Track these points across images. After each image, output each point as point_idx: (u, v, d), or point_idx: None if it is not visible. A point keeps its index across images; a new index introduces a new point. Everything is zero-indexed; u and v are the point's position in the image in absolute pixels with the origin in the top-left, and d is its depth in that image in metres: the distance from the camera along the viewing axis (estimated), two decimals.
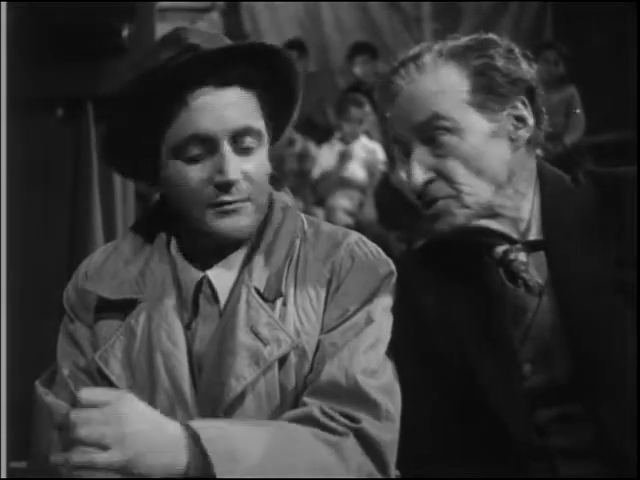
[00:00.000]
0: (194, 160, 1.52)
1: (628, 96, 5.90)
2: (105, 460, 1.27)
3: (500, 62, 1.55)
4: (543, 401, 1.51)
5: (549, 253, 1.56)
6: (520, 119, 1.58)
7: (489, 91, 1.55)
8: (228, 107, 1.51)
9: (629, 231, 1.52)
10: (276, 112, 1.61)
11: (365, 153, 6.00)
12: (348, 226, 5.34)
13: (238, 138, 1.52)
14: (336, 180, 5.92)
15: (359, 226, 5.58)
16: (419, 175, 1.56)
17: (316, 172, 5.99)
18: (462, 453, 1.53)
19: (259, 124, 1.55)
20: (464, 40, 1.59)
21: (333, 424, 1.45)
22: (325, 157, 6.02)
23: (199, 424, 1.37)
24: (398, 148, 1.63)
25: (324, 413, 1.46)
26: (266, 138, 1.58)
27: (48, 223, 2.91)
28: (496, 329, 1.54)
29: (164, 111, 1.51)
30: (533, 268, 1.56)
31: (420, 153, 1.57)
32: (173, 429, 1.35)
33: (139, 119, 1.53)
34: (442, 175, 1.56)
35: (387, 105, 1.61)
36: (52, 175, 2.93)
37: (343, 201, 5.90)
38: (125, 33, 2.92)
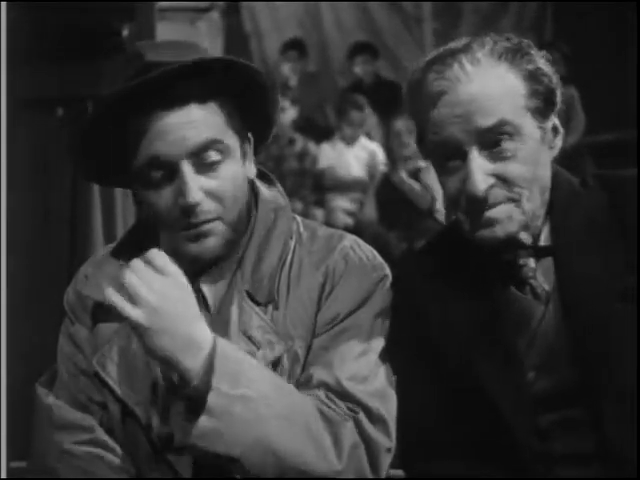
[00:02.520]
0: (156, 186, 1.48)
1: (628, 96, 5.90)
2: (130, 313, 1.35)
3: (546, 67, 1.52)
4: (547, 407, 1.50)
5: (557, 258, 1.53)
6: (555, 128, 1.55)
7: (542, 97, 1.51)
8: (185, 126, 1.46)
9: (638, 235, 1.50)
10: (251, 123, 1.57)
11: (365, 154, 6.00)
12: (348, 227, 5.36)
13: (200, 155, 1.47)
14: (335, 178, 5.93)
15: (360, 226, 5.58)
16: (481, 181, 1.47)
17: (318, 167, 5.97)
18: (464, 457, 1.52)
19: (224, 136, 1.50)
20: (508, 41, 1.52)
21: (335, 408, 1.45)
22: (326, 154, 6.01)
23: (222, 342, 1.40)
24: (440, 150, 1.52)
25: (328, 398, 1.46)
26: (235, 151, 1.52)
27: (48, 223, 2.91)
28: (501, 336, 1.52)
29: (125, 135, 1.48)
30: (540, 274, 1.54)
31: (479, 158, 1.48)
32: (202, 336, 1.38)
33: (106, 143, 1.50)
34: (502, 179, 1.49)
35: (430, 102, 1.49)
36: (52, 175, 2.94)
37: (343, 202, 5.90)
38: (125, 33, 2.92)
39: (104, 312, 1.58)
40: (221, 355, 1.37)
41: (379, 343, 1.54)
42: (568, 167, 1.63)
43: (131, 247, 1.64)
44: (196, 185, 1.46)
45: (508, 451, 1.48)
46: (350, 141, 6.00)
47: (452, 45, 1.51)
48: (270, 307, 1.53)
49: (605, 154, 5.84)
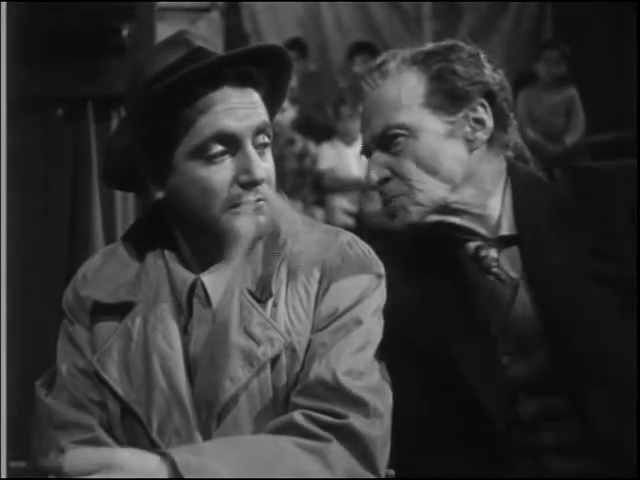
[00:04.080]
0: (215, 161, 1.52)
1: (628, 96, 5.90)
2: None
3: (459, 66, 1.60)
4: (526, 393, 1.52)
5: (522, 247, 1.59)
6: (478, 121, 1.62)
7: (445, 94, 1.60)
8: (247, 106, 1.53)
9: (605, 223, 1.54)
10: (270, 111, 1.62)
11: None
12: (348, 227, 5.37)
13: (257, 135, 1.54)
14: (335, 179, 5.92)
15: (362, 217, 5.60)
16: (374, 173, 1.63)
17: (318, 168, 5.96)
18: (445, 447, 1.54)
19: (269, 121, 1.58)
20: (428, 46, 1.65)
21: (316, 429, 1.44)
22: (326, 155, 6.00)
23: (175, 452, 1.39)
24: (365, 153, 1.69)
25: (307, 417, 1.45)
26: (270, 140, 1.60)
27: (48, 223, 2.92)
28: (473, 322, 1.56)
29: (181, 113, 1.51)
30: (507, 263, 1.59)
31: (377, 154, 1.64)
32: (155, 465, 1.37)
33: (150, 125, 1.52)
34: (396, 173, 1.62)
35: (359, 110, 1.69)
36: (52, 175, 2.94)
37: (343, 202, 5.90)
38: (125, 33, 2.92)
39: (103, 312, 1.59)
40: (182, 467, 1.36)
41: (376, 339, 1.55)
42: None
43: (131, 245, 1.65)
44: (260, 163, 1.52)
45: (489, 439, 1.50)
46: (346, 137, 5.97)
47: (377, 60, 1.67)
48: (270, 303, 1.54)
49: (605, 154, 5.84)
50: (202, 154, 1.51)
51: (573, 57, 6.28)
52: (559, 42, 6.55)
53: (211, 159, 1.52)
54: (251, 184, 1.52)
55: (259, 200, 1.54)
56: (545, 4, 7.67)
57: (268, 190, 1.55)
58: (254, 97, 1.55)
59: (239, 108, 1.52)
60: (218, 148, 1.51)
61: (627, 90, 6.08)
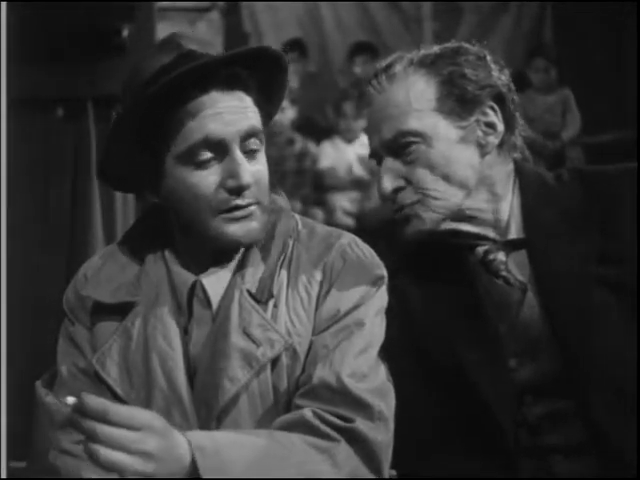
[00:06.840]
0: (204, 166, 1.51)
1: (628, 96, 5.90)
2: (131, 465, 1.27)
3: (468, 70, 1.59)
4: (532, 395, 1.52)
5: (530, 250, 1.58)
6: (490, 125, 1.60)
7: (456, 98, 1.58)
8: (236, 110, 1.51)
9: (613, 227, 1.54)
10: (265, 114, 1.61)
11: (366, 151, 5.97)
12: (348, 227, 5.36)
13: (246, 141, 1.52)
14: (336, 177, 5.91)
15: (363, 216, 5.60)
16: (388, 183, 1.60)
17: (318, 167, 5.95)
18: (451, 448, 1.54)
19: (260, 125, 1.56)
20: (435, 49, 1.63)
21: (326, 428, 1.45)
22: (326, 153, 6.00)
23: (190, 434, 1.37)
24: (375, 161, 1.66)
25: (317, 416, 1.46)
26: (264, 144, 1.58)
27: (48, 223, 2.92)
28: (481, 324, 1.56)
29: (171, 117, 1.50)
30: (514, 266, 1.59)
31: (390, 162, 1.61)
32: (182, 441, 1.34)
33: (143, 128, 1.51)
34: (410, 182, 1.60)
35: (364, 115, 1.67)
36: (52, 175, 2.94)
37: (343, 202, 5.90)
38: (125, 33, 2.93)
39: (103, 312, 1.59)
40: (196, 447, 1.34)
41: (378, 340, 1.55)
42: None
43: (131, 245, 1.65)
44: (246, 167, 1.50)
45: (496, 440, 1.50)
46: (347, 135, 5.95)
47: (383, 63, 1.64)
48: (270, 304, 1.54)
49: (605, 154, 5.84)
50: (191, 159, 1.50)
51: (573, 57, 6.28)
52: (545, 48, 6.56)
53: (200, 164, 1.50)
54: (237, 189, 1.50)
55: (249, 205, 1.52)
56: (545, 4, 7.67)
57: (259, 194, 1.53)
58: (244, 100, 1.53)
59: (226, 112, 1.50)
60: (206, 154, 1.50)
61: (627, 90, 6.08)
